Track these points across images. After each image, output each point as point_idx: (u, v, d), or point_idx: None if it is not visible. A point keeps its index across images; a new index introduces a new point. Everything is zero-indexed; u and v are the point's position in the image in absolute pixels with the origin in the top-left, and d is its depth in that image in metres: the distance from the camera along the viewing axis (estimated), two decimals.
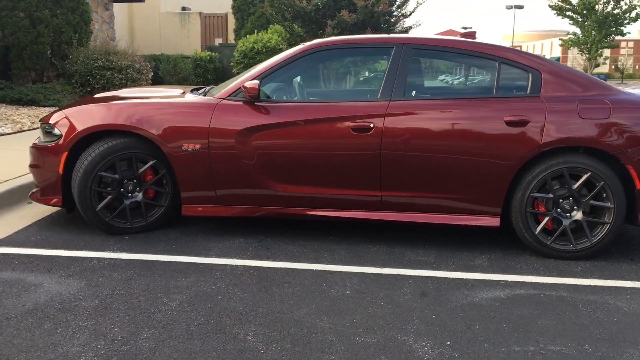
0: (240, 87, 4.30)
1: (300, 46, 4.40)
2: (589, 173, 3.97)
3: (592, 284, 3.72)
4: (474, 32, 5.36)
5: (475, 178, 4.10)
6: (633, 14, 41.08)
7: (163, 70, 16.30)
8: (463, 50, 4.32)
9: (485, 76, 4.34)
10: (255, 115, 4.24)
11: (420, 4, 16.27)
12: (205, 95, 4.60)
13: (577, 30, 44.18)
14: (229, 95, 4.34)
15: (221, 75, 16.36)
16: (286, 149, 4.22)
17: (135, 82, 12.61)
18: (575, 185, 4.01)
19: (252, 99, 4.16)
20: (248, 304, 3.31)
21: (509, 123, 4.03)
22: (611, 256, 4.22)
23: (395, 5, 15.58)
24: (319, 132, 4.17)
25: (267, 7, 16.10)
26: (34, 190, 4.70)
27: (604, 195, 4.01)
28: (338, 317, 3.18)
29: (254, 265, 3.91)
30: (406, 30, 16.18)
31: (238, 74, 16.14)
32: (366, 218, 4.30)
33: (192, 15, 22.64)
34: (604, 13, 41.50)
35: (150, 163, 4.38)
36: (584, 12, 42.00)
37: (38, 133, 5.41)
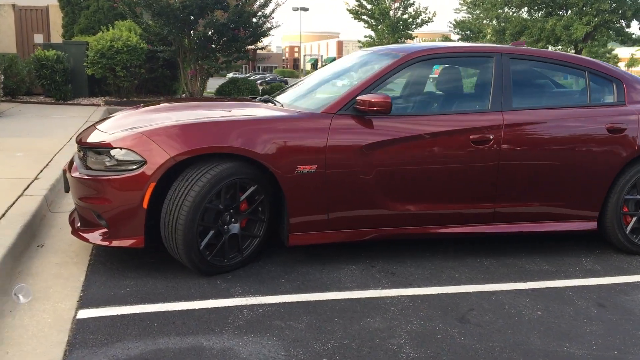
0: (349, 100, 3.92)
1: (401, 55, 4.12)
2: None
3: None
4: (524, 42, 5.51)
5: (581, 183, 4.25)
6: (419, 20, 45.42)
7: None
8: (555, 60, 4.43)
9: (576, 85, 4.51)
10: (374, 131, 3.90)
11: (280, 5, 16.15)
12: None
13: (372, 33, 47.47)
14: (339, 109, 3.92)
15: (71, 77, 14.56)
16: (406, 165, 3.95)
17: None
18: None
19: (384, 113, 3.80)
20: (471, 337, 3.05)
21: (610, 130, 4.24)
22: None
23: (256, 5, 15.23)
24: (441, 145, 3.98)
25: (120, 2, 14.71)
26: (84, 230, 3.79)
27: None
28: (575, 341, 3.08)
29: (412, 294, 3.59)
30: (267, 31, 15.94)
31: (93, 75, 14.69)
32: (482, 232, 4.21)
33: (3, 7, 19.81)
34: (396, 18, 45.26)
35: (252, 189, 3.78)
36: (379, 17, 45.36)
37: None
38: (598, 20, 22.82)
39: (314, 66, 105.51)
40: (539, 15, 25.13)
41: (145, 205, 3.57)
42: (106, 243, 3.68)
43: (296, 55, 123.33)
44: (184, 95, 17.36)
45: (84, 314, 3.14)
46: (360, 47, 52.55)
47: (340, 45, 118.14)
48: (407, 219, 4.03)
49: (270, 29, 15.87)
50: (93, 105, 13.95)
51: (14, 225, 4.17)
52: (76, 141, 4.09)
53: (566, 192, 4.25)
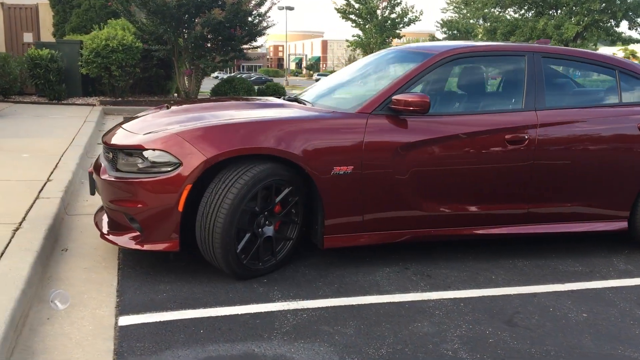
0: (384, 100, 3.85)
1: (434, 54, 4.06)
2: None
3: None
4: (548, 40, 5.48)
5: (612, 183, 4.22)
6: (406, 19, 45.56)
7: None
8: (586, 59, 4.40)
9: (605, 84, 4.48)
10: (409, 131, 3.84)
11: (275, 3, 16.06)
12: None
13: (360, 33, 47.46)
14: (374, 109, 3.85)
15: (65, 76, 14.33)
16: (441, 165, 3.89)
17: None
18: None
19: (422, 113, 3.74)
20: (524, 341, 3.00)
21: None
22: None
23: (251, 4, 15.10)
24: (476, 145, 3.93)
25: (114, 0, 14.52)
26: (114, 234, 3.69)
27: None
28: (627, 344, 3.04)
29: (454, 297, 3.54)
30: (262, 30, 15.82)
31: (87, 74, 14.45)
32: (515, 233, 4.17)
33: None
34: (384, 17, 45.29)
35: (287, 191, 3.70)
36: (367, 16, 45.35)
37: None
38: (588, 20, 22.99)
39: (299, 65, 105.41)
40: (530, 14, 25.22)
41: (180, 208, 3.48)
42: (139, 247, 3.58)
43: (280, 54, 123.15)
44: (176, 95, 17.20)
45: (126, 320, 3.04)
46: (349, 47, 52.67)
47: (325, 44, 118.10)
48: (441, 220, 3.98)
49: (267, 27, 15.77)
50: (88, 105, 13.74)
51: (37, 228, 4.05)
52: (104, 142, 3.98)
53: (599, 192, 4.23)
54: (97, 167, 3.99)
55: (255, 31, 15.48)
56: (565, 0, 23.50)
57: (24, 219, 4.27)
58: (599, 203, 4.26)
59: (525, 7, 24.83)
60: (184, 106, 4.31)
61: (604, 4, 23.08)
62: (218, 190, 3.46)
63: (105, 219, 3.97)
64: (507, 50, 4.30)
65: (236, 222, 3.45)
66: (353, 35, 48.52)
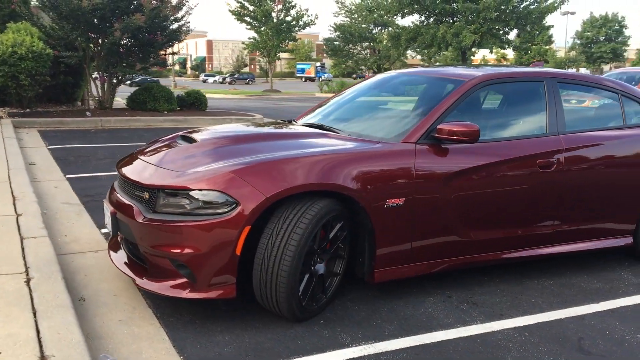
0: (427, 129, 3.81)
1: (466, 80, 4.07)
2: None
3: None
4: (542, 62, 5.64)
5: (625, 200, 4.45)
6: (301, 22, 45.90)
7: None
8: (593, 84, 4.61)
9: (610, 107, 4.69)
10: (452, 159, 3.82)
11: (192, 8, 15.53)
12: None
13: (256, 35, 47.09)
14: (419, 139, 3.79)
15: None
16: (482, 192, 3.93)
17: None
18: None
19: (471, 142, 3.72)
20: None
21: None
22: None
23: (168, 9, 14.50)
24: (514, 170, 4.01)
25: (17, 2, 13.39)
26: (156, 281, 3.37)
27: None
28: None
29: (514, 326, 3.55)
30: (182, 35, 15.23)
31: None
32: (543, 254, 4.28)
33: None
34: (279, 20, 45.27)
35: (339, 226, 3.55)
36: (262, 18, 45.09)
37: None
38: (484, 29, 24.32)
39: (183, 65, 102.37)
40: (430, 22, 26.28)
41: (238, 251, 3.23)
42: (193, 295, 3.28)
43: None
44: (80, 104, 16.15)
45: None
46: (245, 49, 51.96)
47: (210, 44, 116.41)
48: (481, 246, 4.00)
49: (187, 32, 15.23)
50: None
51: (50, 278, 3.61)
52: (131, 180, 3.61)
53: (614, 209, 4.44)
54: (120, 206, 3.62)
55: (175, 36, 14.90)
56: (462, 9, 24.70)
57: (26, 267, 3.79)
58: (615, 219, 4.47)
59: (425, 15, 25.82)
60: (208, 138, 3.97)
61: (496, 13, 24.51)
62: (280, 230, 3.25)
63: (120, 258, 3.65)
64: (528, 75, 4.39)
65: (301, 264, 3.26)
66: (249, 38, 48.17)
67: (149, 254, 3.39)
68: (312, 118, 4.74)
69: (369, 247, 3.67)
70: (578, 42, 74.70)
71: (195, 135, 4.06)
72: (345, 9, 57.18)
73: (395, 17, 26.31)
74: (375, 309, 3.70)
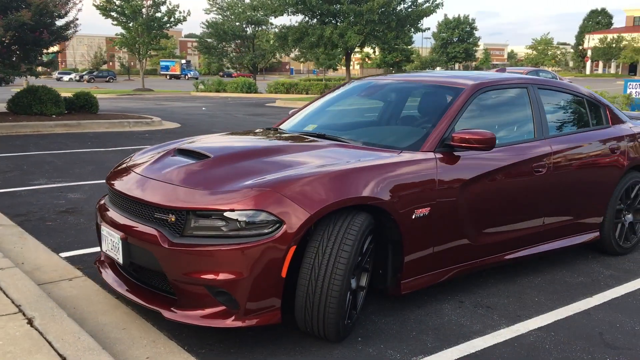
0: (442, 137, 3.83)
1: (467, 87, 4.12)
2: None
3: None
4: (505, 68, 5.82)
5: (596, 196, 4.76)
6: (173, 19, 44.62)
7: None
8: (564, 90, 4.88)
9: (576, 111, 4.96)
10: (467, 165, 3.87)
11: (80, 2, 14.47)
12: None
13: (124, 31, 45.00)
14: (436, 147, 3.80)
15: None
16: (494, 196, 4.05)
17: None
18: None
19: (487, 149, 3.77)
20: None
21: (612, 150, 4.83)
22: None
23: (57, 3, 13.41)
24: (518, 174, 4.18)
25: None
26: (189, 310, 3.09)
27: None
28: None
29: (537, 326, 3.65)
30: (71, 33, 14.14)
31: None
32: (534, 253, 4.46)
33: None
34: (149, 16, 43.58)
35: (369, 239, 3.47)
36: (131, 14, 43.16)
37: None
38: (368, 30, 25.03)
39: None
40: (314, 22, 26.56)
41: (284, 273, 3.04)
42: (237, 323, 3.04)
43: None
44: None
45: None
46: (115, 46, 49.28)
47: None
48: (487, 249, 4.09)
49: (75, 31, 14.18)
50: None
51: (50, 315, 3.22)
52: (145, 201, 3.26)
53: (589, 205, 4.73)
54: (132, 230, 3.27)
55: (63, 35, 13.81)
56: (345, 10, 25.24)
57: (16, 305, 3.32)
58: (590, 214, 4.76)
59: (310, 15, 26.05)
60: (222, 152, 3.67)
61: (378, 16, 25.31)
62: (326, 248, 3.10)
63: (120, 285, 3.37)
64: (515, 82, 4.55)
65: (350, 283, 3.14)
66: (117, 34, 45.76)
67: (179, 282, 3.09)
68: (301, 126, 4.58)
69: (393, 258, 3.62)
70: (433, 42, 79.60)
71: (198, 149, 3.76)
72: (217, 6, 56.13)
73: (274, 16, 26.29)
74: (403, 321, 3.65)
